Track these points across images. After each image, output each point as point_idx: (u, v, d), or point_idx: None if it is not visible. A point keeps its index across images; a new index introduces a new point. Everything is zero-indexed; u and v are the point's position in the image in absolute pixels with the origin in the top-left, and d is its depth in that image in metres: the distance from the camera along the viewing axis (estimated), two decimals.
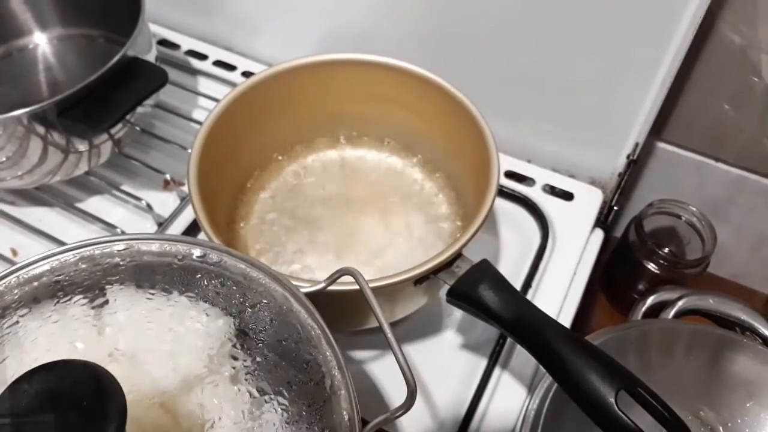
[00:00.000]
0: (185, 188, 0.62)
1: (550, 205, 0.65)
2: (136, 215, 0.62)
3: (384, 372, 0.53)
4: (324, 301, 0.37)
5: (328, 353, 0.35)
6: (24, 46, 0.70)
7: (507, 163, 0.68)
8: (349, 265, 0.39)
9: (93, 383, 0.28)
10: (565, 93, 0.63)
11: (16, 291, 0.36)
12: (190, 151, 0.50)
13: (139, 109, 0.59)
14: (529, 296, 0.58)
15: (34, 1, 0.69)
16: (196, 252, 0.38)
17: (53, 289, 0.36)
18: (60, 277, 0.37)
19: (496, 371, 0.53)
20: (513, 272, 0.59)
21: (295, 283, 0.37)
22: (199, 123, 0.56)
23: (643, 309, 0.58)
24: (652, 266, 0.63)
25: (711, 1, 0.52)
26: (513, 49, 0.62)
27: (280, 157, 0.61)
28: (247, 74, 0.74)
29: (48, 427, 0.26)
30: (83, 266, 0.37)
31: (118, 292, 0.37)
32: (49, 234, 0.59)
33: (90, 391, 0.27)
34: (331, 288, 0.39)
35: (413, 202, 0.58)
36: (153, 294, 0.37)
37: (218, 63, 0.76)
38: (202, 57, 0.77)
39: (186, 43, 0.78)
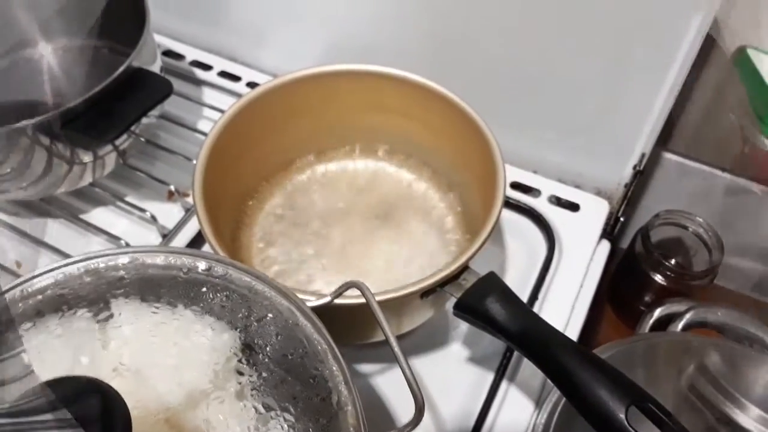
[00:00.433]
0: (190, 199, 0.62)
1: (556, 216, 0.64)
2: (140, 226, 0.62)
3: (391, 386, 0.53)
4: (330, 314, 0.37)
5: (334, 368, 0.34)
6: (29, 56, 0.69)
7: (513, 173, 0.67)
8: (355, 278, 0.39)
9: (97, 399, 0.27)
10: (570, 102, 0.63)
11: (20, 304, 0.35)
12: (195, 162, 0.50)
13: (144, 120, 0.59)
14: (535, 308, 0.57)
15: (39, 11, 0.68)
16: (201, 265, 0.38)
17: (58, 303, 0.36)
18: (64, 290, 0.36)
19: (504, 385, 0.53)
20: (519, 284, 0.59)
21: (300, 296, 0.37)
22: (204, 134, 0.56)
23: (651, 321, 0.58)
24: (658, 278, 0.62)
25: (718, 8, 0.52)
26: (516, 58, 0.62)
27: (285, 169, 0.61)
28: (251, 85, 0.74)
29: None
30: (88, 279, 0.37)
31: (122, 306, 0.36)
32: (54, 246, 0.58)
33: (94, 407, 0.27)
34: (337, 301, 0.39)
35: (419, 214, 0.58)
36: (158, 308, 0.37)
37: (223, 73, 0.76)
38: (207, 67, 0.77)
39: (191, 53, 0.78)
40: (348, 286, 0.38)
